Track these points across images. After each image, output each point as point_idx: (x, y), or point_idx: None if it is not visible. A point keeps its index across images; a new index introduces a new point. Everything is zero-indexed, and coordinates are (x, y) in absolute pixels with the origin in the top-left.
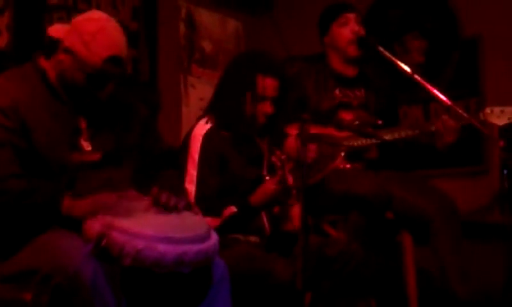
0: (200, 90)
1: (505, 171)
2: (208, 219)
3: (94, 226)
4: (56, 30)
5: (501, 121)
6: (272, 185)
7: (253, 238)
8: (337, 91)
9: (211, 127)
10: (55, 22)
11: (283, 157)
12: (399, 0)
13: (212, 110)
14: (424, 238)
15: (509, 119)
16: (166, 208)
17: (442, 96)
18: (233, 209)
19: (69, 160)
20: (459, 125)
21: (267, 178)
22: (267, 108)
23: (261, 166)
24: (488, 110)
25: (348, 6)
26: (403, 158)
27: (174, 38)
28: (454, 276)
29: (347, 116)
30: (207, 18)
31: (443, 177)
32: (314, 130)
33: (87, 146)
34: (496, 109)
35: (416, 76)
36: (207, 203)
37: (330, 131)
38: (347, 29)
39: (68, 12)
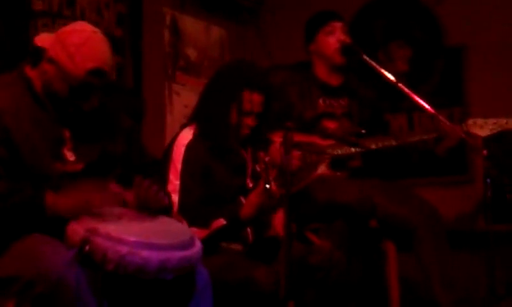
0: (184, 97)
1: (488, 180)
2: (195, 230)
3: (77, 230)
4: (42, 39)
5: (484, 132)
6: (257, 195)
7: (235, 246)
8: (321, 101)
9: (194, 136)
10: (40, 28)
11: (266, 158)
12: (384, 9)
13: (196, 119)
14: (408, 247)
15: (491, 130)
16: (148, 201)
17: (426, 105)
18: (222, 222)
19: (51, 170)
20: (459, 128)
21: (250, 185)
22: (251, 121)
23: (244, 176)
24: (470, 121)
25: (335, 15)
26: (391, 165)
27: (159, 45)
28: (437, 285)
29: (330, 125)
30: (191, 25)
31: (428, 186)
32: (298, 138)
33: (70, 156)
34: (479, 120)
35: (400, 85)
36: (190, 213)
37: (314, 139)
38: (333, 38)
39: (52, 18)
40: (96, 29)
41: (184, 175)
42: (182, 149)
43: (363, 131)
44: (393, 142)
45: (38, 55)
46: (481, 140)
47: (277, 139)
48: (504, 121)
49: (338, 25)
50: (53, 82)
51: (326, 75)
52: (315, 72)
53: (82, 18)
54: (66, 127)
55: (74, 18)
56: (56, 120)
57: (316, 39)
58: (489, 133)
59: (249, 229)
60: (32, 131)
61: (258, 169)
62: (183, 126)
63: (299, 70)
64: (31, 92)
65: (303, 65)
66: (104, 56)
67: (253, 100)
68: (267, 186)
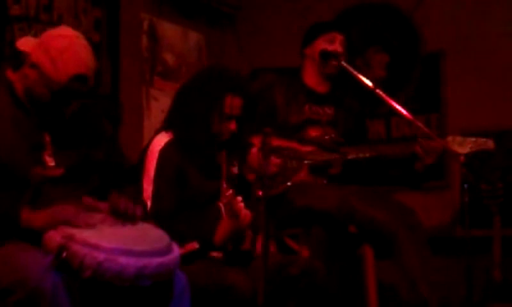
0: (163, 103)
1: (465, 186)
2: None
3: (54, 237)
4: (24, 43)
5: (463, 150)
6: (229, 223)
7: (215, 253)
8: (307, 107)
9: (168, 142)
10: (16, 32)
11: (228, 193)
12: (362, 15)
13: (172, 125)
14: (387, 252)
15: (470, 148)
16: (124, 216)
17: (404, 111)
18: (195, 245)
19: (31, 175)
20: (440, 147)
21: (220, 204)
22: (232, 126)
23: (219, 179)
24: (450, 138)
25: (339, 27)
26: (371, 174)
27: (136, 50)
28: (423, 285)
29: (314, 132)
30: (169, 30)
31: (406, 192)
32: (278, 142)
33: (50, 161)
34: (458, 138)
35: (378, 90)
36: (162, 219)
37: (294, 145)
38: (332, 47)
39: (29, 23)
40: (79, 34)
41: (157, 182)
42: (156, 155)
43: (342, 140)
44: (373, 153)
45: (19, 59)
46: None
47: (257, 142)
48: (483, 140)
49: (340, 37)
50: (35, 86)
51: (315, 82)
52: (303, 78)
53: (59, 22)
54: (47, 132)
55: (51, 23)
56: (37, 124)
57: (314, 44)
58: (468, 151)
59: None
60: (13, 134)
61: (234, 171)
62: (157, 132)
63: (288, 75)
64: (12, 95)
65: (292, 70)
66: (86, 62)
67: (234, 104)
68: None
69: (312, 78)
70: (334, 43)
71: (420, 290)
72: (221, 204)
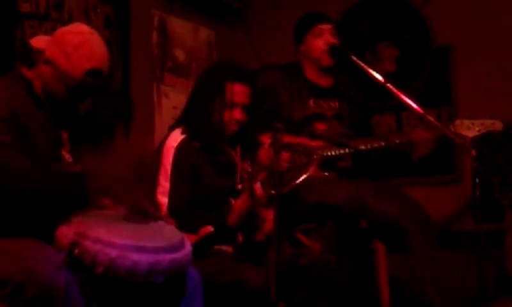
0: (173, 99)
1: (477, 180)
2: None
3: (66, 234)
4: (38, 41)
5: (471, 133)
6: (243, 202)
7: (226, 248)
8: (311, 102)
9: (184, 138)
10: (27, 30)
11: (249, 170)
12: (372, 9)
13: (184, 120)
14: (398, 247)
15: (478, 131)
16: (146, 215)
17: (414, 105)
18: (210, 229)
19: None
20: (433, 138)
21: (239, 186)
22: (237, 114)
23: (234, 176)
24: (457, 122)
25: (323, 17)
26: (376, 167)
27: (147, 46)
28: (430, 286)
29: (320, 126)
30: (179, 26)
31: (416, 186)
32: (287, 139)
33: (68, 158)
34: (466, 121)
35: (388, 85)
36: (179, 215)
37: (303, 140)
38: (321, 40)
39: (39, 20)
40: (93, 31)
41: (174, 177)
42: (172, 151)
43: (351, 133)
44: (382, 144)
45: (33, 56)
46: (469, 140)
47: (266, 140)
48: (490, 122)
49: (326, 27)
50: (50, 83)
51: (316, 77)
52: (305, 73)
53: (70, 20)
54: (64, 129)
55: (61, 21)
56: (55, 122)
57: (304, 41)
58: (476, 134)
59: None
60: (32, 131)
61: (247, 169)
62: (171, 128)
63: (290, 71)
64: (30, 93)
65: (294, 66)
66: (101, 57)
67: (235, 91)
68: (251, 194)
69: (312, 73)
70: (323, 36)
71: (426, 290)
72: (232, 201)
